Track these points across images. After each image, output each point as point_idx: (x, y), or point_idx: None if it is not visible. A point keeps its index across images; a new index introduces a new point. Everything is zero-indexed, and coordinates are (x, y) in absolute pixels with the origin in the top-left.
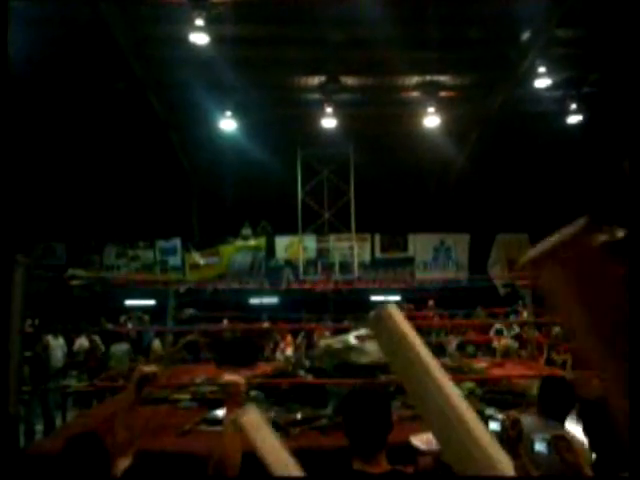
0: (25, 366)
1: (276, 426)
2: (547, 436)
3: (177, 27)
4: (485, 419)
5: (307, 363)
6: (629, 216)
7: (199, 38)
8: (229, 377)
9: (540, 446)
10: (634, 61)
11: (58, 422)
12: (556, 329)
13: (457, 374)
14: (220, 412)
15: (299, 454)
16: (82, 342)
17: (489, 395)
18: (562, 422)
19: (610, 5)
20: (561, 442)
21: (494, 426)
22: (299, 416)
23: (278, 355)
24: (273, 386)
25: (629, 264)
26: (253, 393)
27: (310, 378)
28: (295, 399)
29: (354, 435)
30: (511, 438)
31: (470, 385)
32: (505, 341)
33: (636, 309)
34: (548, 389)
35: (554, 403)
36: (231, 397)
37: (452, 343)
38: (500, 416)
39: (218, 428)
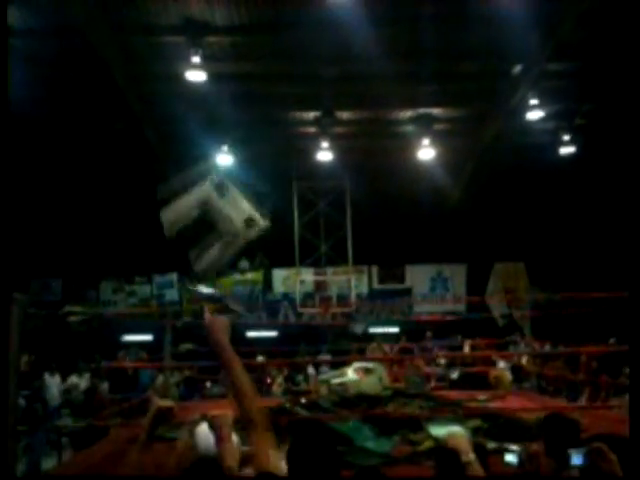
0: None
1: None
2: (583, 448)
3: (174, 64)
4: (486, 453)
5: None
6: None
7: (196, 75)
8: (216, 412)
9: (577, 459)
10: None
11: (50, 462)
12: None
13: (457, 408)
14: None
15: None
16: (74, 380)
17: (495, 430)
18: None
19: (602, 38)
20: (597, 453)
21: (510, 458)
22: None
23: (275, 389)
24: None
25: (629, 264)
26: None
27: (306, 414)
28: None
29: (298, 471)
30: (529, 472)
31: (477, 423)
32: (496, 372)
33: (636, 309)
34: (551, 427)
35: (557, 442)
36: (218, 431)
37: (451, 375)
38: (516, 448)
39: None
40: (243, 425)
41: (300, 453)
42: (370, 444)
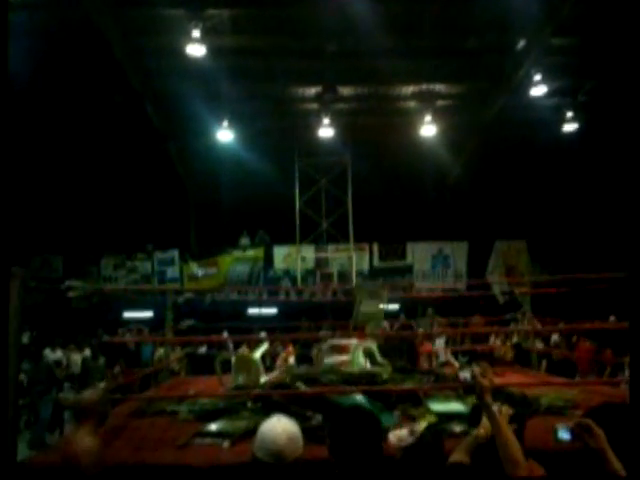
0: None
1: None
2: (570, 424)
3: (174, 38)
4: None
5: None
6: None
7: (196, 50)
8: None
9: (564, 434)
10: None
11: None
12: (555, 337)
13: (457, 384)
14: (214, 426)
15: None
16: (74, 355)
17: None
18: None
19: (605, 14)
20: (584, 428)
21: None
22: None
23: (279, 365)
24: (270, 397)
25: (629, 264)
26: (251, 405)
27: (305, 388)
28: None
29: (341, 455)
30: (481, 386)
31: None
32: (504, 348)
33: (636, 310)
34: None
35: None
36: None
37: (447, 352)
38: (472, 368)
39: (210, 441)
40: None
41: (342, 445)
42: None
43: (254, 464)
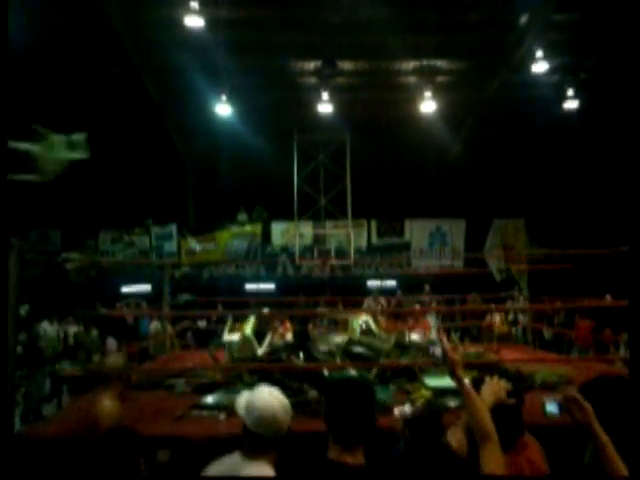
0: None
1: None
2: (558, 397)
3: (172, 10)
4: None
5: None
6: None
7: (194, 21)
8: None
9: (552, 407)
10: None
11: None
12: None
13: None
14: (211, 398)
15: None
16: (72, 328)
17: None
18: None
19: None
20: (572, 402)
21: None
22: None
23: (277, 340)
24: (267, 371)
25: (629, 264)
26: (247, 378)
27: (302, 363)
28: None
29: (336, 423)
30: (452, 360)
31: (473, 374)
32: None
33: (636, 310)
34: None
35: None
36: None
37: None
38: (444, 341)
39: (206, 413)
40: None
41: (337, 414)
42: None
43: (248, 437)
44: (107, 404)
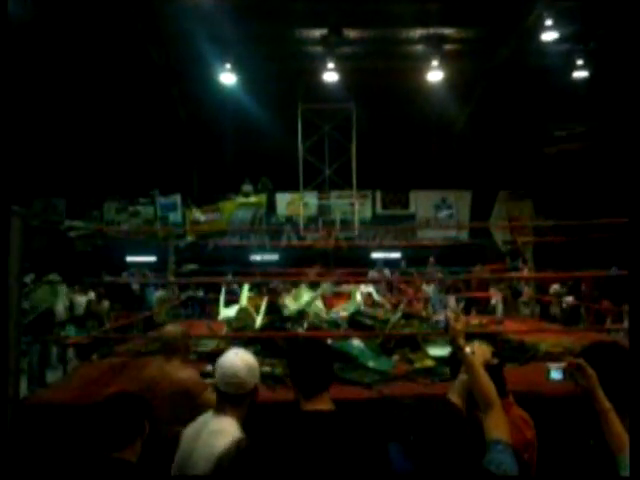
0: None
1: (273, 378)
2: (562, 364)
3: None
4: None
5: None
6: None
7: None
8: None
9: (555, 373)
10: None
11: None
12: (555, 286)
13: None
14: (210, 367)
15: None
16: (78, 297)
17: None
18: None
19: None
20: (577, 368)
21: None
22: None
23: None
24: (269, 339)
25: (629, 264)
26: (250, 347)
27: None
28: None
29: (299, 379)
30: (454, 329)
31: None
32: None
33: (636, 310)
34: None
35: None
36: None
37: (451, 300)
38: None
39: (210, 380)
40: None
41: (298, 368)
42: (372, 363)
43: (217, 394)
44: (185, 371)
